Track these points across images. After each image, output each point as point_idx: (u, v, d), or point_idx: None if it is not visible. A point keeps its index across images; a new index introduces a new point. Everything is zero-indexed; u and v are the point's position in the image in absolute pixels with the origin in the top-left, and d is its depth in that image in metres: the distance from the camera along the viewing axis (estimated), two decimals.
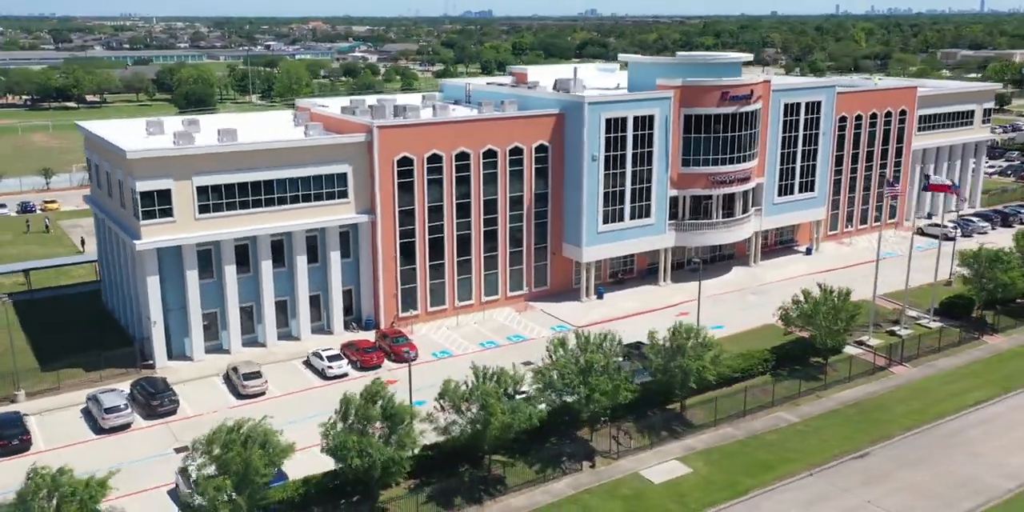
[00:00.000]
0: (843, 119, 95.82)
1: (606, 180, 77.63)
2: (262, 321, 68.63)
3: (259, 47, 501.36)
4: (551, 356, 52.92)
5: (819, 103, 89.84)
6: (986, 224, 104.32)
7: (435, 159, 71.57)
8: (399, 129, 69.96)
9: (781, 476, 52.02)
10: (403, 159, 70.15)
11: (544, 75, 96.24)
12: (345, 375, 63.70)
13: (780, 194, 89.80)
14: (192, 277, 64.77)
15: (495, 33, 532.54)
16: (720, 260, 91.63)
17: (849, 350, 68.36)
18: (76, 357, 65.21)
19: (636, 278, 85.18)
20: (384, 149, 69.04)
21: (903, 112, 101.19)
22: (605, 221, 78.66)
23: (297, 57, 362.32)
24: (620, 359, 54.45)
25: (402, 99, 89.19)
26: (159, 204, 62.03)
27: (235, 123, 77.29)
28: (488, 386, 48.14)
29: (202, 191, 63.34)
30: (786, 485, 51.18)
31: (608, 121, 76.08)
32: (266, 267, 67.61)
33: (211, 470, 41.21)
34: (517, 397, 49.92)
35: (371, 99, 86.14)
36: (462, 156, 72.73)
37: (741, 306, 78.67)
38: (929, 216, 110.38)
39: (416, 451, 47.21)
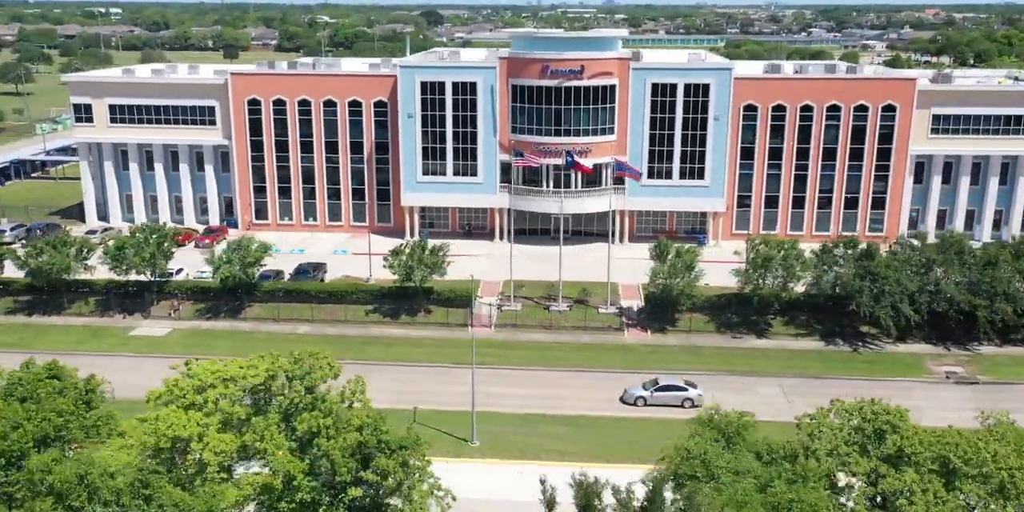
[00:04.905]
0: (779, 108, 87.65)
1: (424, 136, 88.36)
2: (159, 207, 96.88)
3: (802, 34, 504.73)
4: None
5: (706, 86, 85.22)
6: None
7: (280, 103, 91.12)
8: (247, 77, 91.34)
9: (226, 353, 65.08)
10: (253, 100, 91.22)
11: None
12: None
13: (651, 177, 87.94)
14: (109, 167, 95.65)
15: None
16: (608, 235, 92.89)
17: (483, 308, 72.92)
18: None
19: (487, 234, 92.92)
20: (236, 91, 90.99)
21: (889, 108, 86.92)
22: (425, 173, 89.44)
23: (781, 43, 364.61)
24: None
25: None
26: (84, 113, 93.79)
27: None
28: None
29: (112, 108, 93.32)
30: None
31: (424, 84, 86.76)
32: (159, 168, 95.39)
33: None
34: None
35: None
36: (304, 103, 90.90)
37: (502, 265, 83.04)
38: None
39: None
